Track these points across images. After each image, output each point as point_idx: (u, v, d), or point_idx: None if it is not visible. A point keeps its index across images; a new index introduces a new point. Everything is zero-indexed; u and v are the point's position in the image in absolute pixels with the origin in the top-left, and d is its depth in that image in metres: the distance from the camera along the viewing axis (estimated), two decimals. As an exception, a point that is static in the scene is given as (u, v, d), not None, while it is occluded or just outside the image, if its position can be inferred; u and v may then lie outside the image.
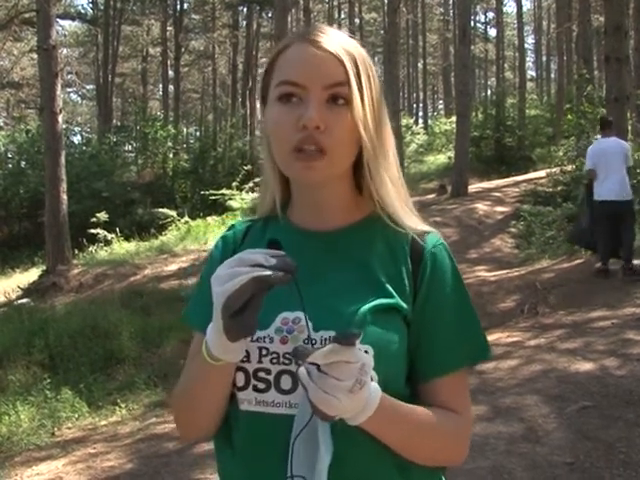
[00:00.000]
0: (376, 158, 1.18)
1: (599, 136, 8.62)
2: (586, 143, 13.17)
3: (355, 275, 1.17)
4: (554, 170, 14.91)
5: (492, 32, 52.93)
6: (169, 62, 36.18)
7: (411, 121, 32.69)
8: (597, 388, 4.69)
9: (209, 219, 17.03)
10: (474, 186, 17.49)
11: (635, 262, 8.10)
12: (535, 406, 4.51)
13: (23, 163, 23.94)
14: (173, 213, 17.14)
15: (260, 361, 1.12)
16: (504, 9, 50.05)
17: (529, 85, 42.46)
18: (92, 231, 15.44)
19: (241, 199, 17.37)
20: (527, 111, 26.15)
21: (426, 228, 1.23)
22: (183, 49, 36.32)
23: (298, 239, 1.21)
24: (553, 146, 19.52)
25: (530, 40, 58.23)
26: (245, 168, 20.04)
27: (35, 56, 23.46)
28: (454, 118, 20.79)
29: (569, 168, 13.54)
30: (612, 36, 9.98)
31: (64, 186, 13.26)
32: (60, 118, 13.36)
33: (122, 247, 15.33)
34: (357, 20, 41.90)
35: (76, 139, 34.21)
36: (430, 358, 1.16)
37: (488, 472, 3.66)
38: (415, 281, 1.17)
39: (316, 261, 1.19)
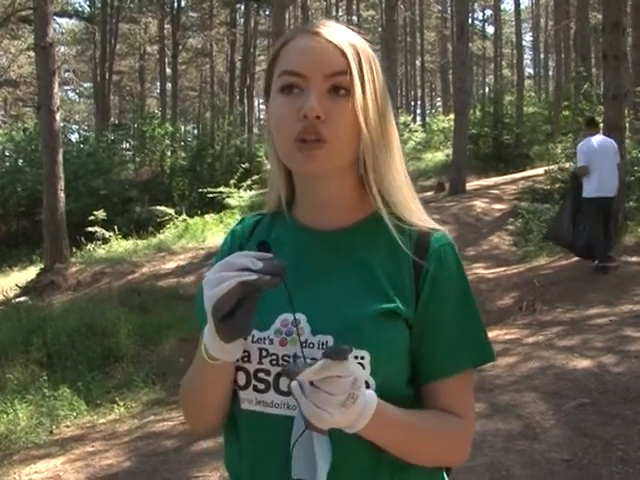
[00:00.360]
0: (377, 151, 1.16)
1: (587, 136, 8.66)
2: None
3: (357, 277, 1.16)
4: (552, 167, 14.91)
5: (490, 29, 52.92)
6: (167, 60, 36.14)
7: (409, 119, 32.65)
8: (595, 385, 4.70)
9: (207, 217, 17.01)
10: (472, 184, 17.48)
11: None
12: (533, 403, 4.52)
13: (21, 161, 23.89)
14: (171, 211, 17.13)
15: (260, 362, 1.12)
16: (502, 6, 50.09)
17: (527, 83, 42.43)
18: (90, 229, 15.42)
19: (239, 197, 17.37)
20: (525, 109, 26.15)
21: (433, 226, 1.21)
22: (181, 47, 36.26)
23: (302, 238, 1.21)
24: (551, 143, 19.52)
25: (528, 37, 58.27)
26: (243, 166, 20.03)
27: (32, 54, 23.41)
28: (452, 116, 20.79)
29: (567, 165, 13.54)
30: (610, 33, 9.97)
31: (62, 184, 13.23)
32: (57, 116, 13.32)
33: (120, 245, 15.32)
34: (355, 17, 41.84)
35: (74, 137, 34.06)
36: (433, 360, 1.15)
37: (486, 469, 3.66)
38: (417, 283, 1.15)
39: (319, 261, 1.18)
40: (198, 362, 1.14)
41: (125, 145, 30.17)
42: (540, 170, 16.59)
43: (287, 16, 19.85)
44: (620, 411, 4.23)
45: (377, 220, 1.20)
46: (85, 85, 48.13)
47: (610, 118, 9.93)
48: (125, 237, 16.17)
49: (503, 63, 50.80)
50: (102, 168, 22.94)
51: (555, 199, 12.66)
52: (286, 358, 1.10)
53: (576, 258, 8.95)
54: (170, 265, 12.41)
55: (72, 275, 12.48)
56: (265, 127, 1.27)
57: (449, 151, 20.48)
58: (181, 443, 4.91)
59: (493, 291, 8.80)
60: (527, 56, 54.62)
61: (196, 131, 42.90)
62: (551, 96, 30.96)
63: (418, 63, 51.77)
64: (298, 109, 1.11)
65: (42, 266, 13.50)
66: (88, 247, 15.23)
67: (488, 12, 53.09)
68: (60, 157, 13.33)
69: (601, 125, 9.32)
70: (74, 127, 46.26)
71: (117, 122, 38.50)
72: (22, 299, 11.53)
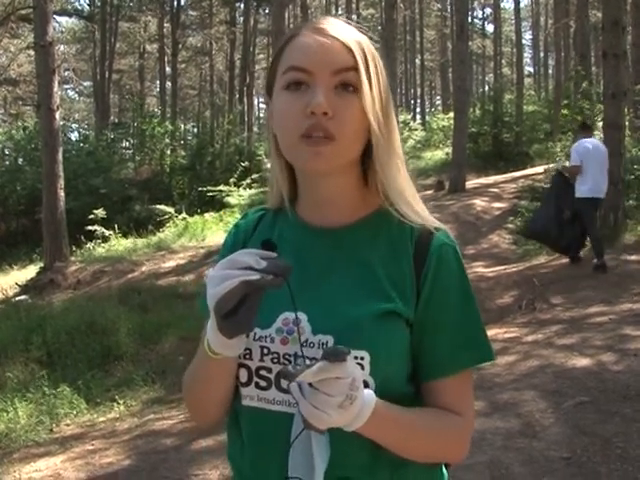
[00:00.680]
0: (384, 148, 1.16)
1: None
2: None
3: (358, 277, 1.16)
4: (551, 166, 14.89)
5: (490, 28, 52.91)
6: (166, 59, 36.12)
7: (409, 117, 32.65)
8: (594, 383, 4.71)
9: (207, 216, 17.01)
10: (472, 182, 17.47)
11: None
12: (532, 401, 4.52)
13: (20, 160, 23.89)
14: (171, 210, 17.13)
15: (262, 359, 1.13)
16: (502, 5, 50.13)
17: (527, 81, 42.42)
18: (90, 228, 15.42)
19: (239, 195, 17.37)
20: (525, 107, 26.12)
21: (435, 224, 1.21)
22: (180, 45, 36.26)
23: (305, 235, 1.21)
24: (550, 142, 19.52)
25: (528, 36, 58.27)
26: (242, 164, 20.02)
27: (32, 53, 23.42)
28: (452, 114, 20.76)
29: (566, 164, 13.54)
30: (610, 32, 9.97)
31: (61, 183, 13.23)
32: (57, 115, 13.33)
33: (120, 244, 15.32)
34: (354, 16, 41.82)
35: (73, 136, 34.17)
36: (433, 359, 1.15)
37: (485, 467, 3.67)
38: (418, 281, 1.16)
39: (321, 260, 1.19)
40: (201, 356, 1.15)
41: (125, 144, 30.23)
42: (540, 169, 16.57)
43: (287, 15, 19.82)
44: (619, 409, 4.23)
45: (379, 218, 1.21)
46: (85, 84, 48.12)
47: (610, 116, 9.94)
48: (125, 236, 16.17)
49: (503, 61, 50.81)
50: (102, 167, 22.94)
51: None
52: (287, 357, 1.11)
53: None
54: (170, 264, 12.42)
55: (72, 274, 12.48)
56: (266, 124, 1.26)
57: (449, 149, 20.47)
58: (181, 441, 4.91)
59: (493, 290, 8.80)
60: (527, 54, 54.65)
61: (196, 130, 42.93)
62: (551, 94, 30.90)
63: (418, 61, 51.74)
64: (305, 105, 1.10)
65: (42, 265, 13.51)
66: (88, 246, 15.23)
67: (488, 10, 53.13)
68: (60, 156, 13.33)
69: (600, 124, 9.40)
70: (74, 126, 46.32)
71: (117, 121, 38.51)
72: (22, 298, 11.54)
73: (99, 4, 35.20)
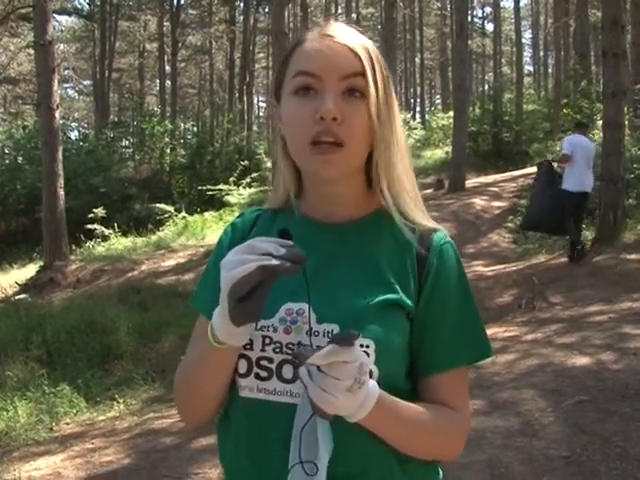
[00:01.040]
0: (388, 153, 1.19)
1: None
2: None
3: (362, 269, 1.18)
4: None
5: (489, 27, 52.90)
6: (166, 57, 36.10)
7: (408, 116, 32.64)
8: (593, 382, 4.71)
9: (206, 214, 17.02)
10: (471, 181, 17.48)
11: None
12: (532, 400, 4.52)
13: (20, 159, 23.88)
14: (170, 209, 17.13)
15: (263, 349, 1.14)
16: (501, 4, 50.15)
17: (526, 80, 42.40)
18: (89, 227, 15.43)
19: (238, 194, 17.38)
20: (524, 106, 26.11)
21: (434, 225, 1.24)
22: (180, 44, 36.23)
23: (309, 230, 1.23)
24: (550, 141, 19.53)
25: (527, 35, 58.26)
26: (242, 163, 20.04)
27: (32, 52, 23.42)
28: (451, 113, 20.76)
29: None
30: (609, 31, 9.95)
31: (61, 182, 13.23)
32: (57, 114, 13.33)
33: (119, 243, 15.33)
34: (354, 15, 41.80)
35: (73, 135, 34.13)
36: (431, 355, 1.17)
37: (485, 465, 3.67)
38: (420, 278, 1.18)
39: (326, 253, 1.20)
40: (201, 347, 1.15)
41: (124, 143, 30.23)
42: (539, 168, 16.57)
43: (286, 13, 19.82)
44: (618, 408, 4.24)
45: (382, 216, 1.23)
46: (85, 83, 48.12)
47: (609, 115, 9.93)
48: (124, 235, 16.18)
49: (502, 61, 50.80)
50: (102, 166, 22.94)
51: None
52: (290, 346, 1.12)
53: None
54: (169, 263, 12.42)
55: (72, 273, 12.49)
56: (274, 127, 1.28)
57: (448, 148, 20.47)
58: (181, 440, 4.92)
59: (492, 288, 8.80)
60: (526, 54, 54.66)
61: (195, 129, 42.86)
62: (550, 94, 30.91)
63: (417, 60, 51.73)
64: (314, 111, 1.12)
65: (42, 264, 13.52)
66: (88, 245, 15.24)
67: (488, 9, 53.13)
68: (60, 155, 13.33)
69: (600, 123, 9.53)
70: (74, 125, 46.24)
71: (116, 120, 38.53)
72: (22, 297, 11.54)
73: (99, 3, 35.16)
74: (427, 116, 42.53)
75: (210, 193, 17.96)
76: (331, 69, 1.13)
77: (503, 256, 10.86)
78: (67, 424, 6.20)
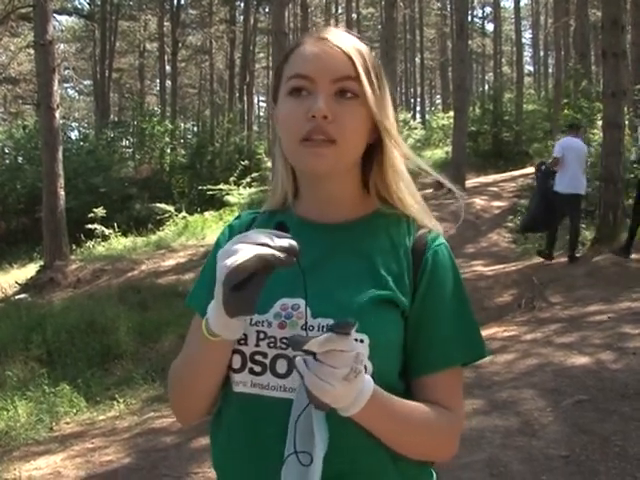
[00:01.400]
0: (384, 151, 1.22)
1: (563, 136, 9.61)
2: (583, 138, 13.22)
3: (357, 267, 1.19)
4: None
5: (489, 27, 52.85)
6: (166, 57, 36.07)
7: (408, 116, 32.63)
8: (593, 382, 4.71)
9: (206, 214, 17.03)
10: (471, 181, 17.48)
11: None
12: (531, 400, 4.53)
13: (20, 159, 23.88)
14: (171, 208, 17.14)
15: (257, 344, 1.15)
16: (501, 4, 50.14)
17: (526, 80, 42.39)
18: (90, 226, 15.42)
19: (238, 194, 17.39)
20: (524, 106, 26.11)
21: (432, 225, 1.25)
22: (180, 44, 36.21)
23: (305, 231, 1.24)
24: (550, 141, 19.49)
25: (527, 35, 58.22)
26: (242, 163, 20.05)
27: (32, 51, 23.41)
28: (452, 113, 20.76)
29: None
30: (609, 31, 9.95)
31: (61, 181, 13.24)
32: (57, 114, 13.33)
33: (120, 242, 15.33)
34: (354, 15, 41.79)
35: (73, 135, 34.14)
36: (425, 354, 1.17)
37: (484, 465, 3.67)
38: (415, 278, 1.19)
39: (320, 251, 1.21)
40: (195, 342, 1.16)
41: (125, 142, 30.21)
42: (539, 167, 16.57)
43: (287, 13, 19.81)
44: (618, 408, 4.24)
45: (378, 218, 1.25)
46: (85, 83, 48.12)
47: (609, 115, 9.93)
48: (125, 234, 16.18)
49: (503, 60, 50.76)
50: (102, 165, 22.95)
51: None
52: (284, 341, 1.12)
53: (575, 255, 9.04)
54: (170, 262, 12.43)
55: (72, 272, 12.49)
56: (274, 128, 1.30)
57: (448, 148, 20.47)
58: (181, 439, 4.92)
59: (492, 288, 8.81)
60: (527, 53, 54.61)
61: (196, 128, 42.88)
62: (550, 93, 30.90)
63: (418, 60, 51.72)
64: (307, 110, 1.15)
65: (42, 263, 13.52)
66: (88, 244, 15.24)
67: (488, 9, 53.09)
68: (60, 155, 13.33)
69: (601, 123, 9.58)
70: (74, 125, 46.24)
71: (117, 120, 38.49)
72: (22, 296, 11.55)
73: (99, 3, 35.16)
74: (427, 116, 42.52)
75: (210, 193, 17.96)
76: (324, 71, 1.16)
77: (503, 256, 10.87)
78: (67, 424, 6.20)
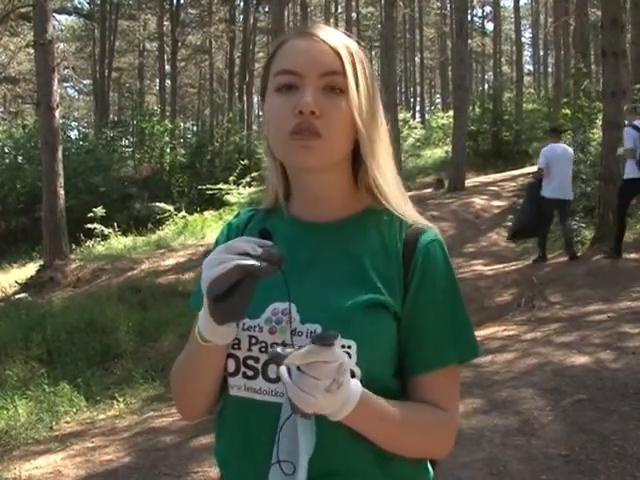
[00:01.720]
0: (372, 147, 1.19)
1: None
2: (583, 137, 13.24)
3: (347, 269, 1.18)
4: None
5: (489, 26, 52.82)
6: (166, 57, 36.08)
7: (408, 115, 32.68)
8: (592, 381, 4.71)
9: (206, 214, 17.04)
10: (471, 180, 17.49)
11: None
12: (531, 399, 4.53)
13: (20, 158, 23.91)
14: (170, 208, 17.15)
15: (250, 349, 1.15)
16: (501, 3, 50.15)
17: (526, 79, 42.41)
18: (89, 226, 15.44)
19: (238, 193, 17.40)
20: (524, 105, 26.14)
21: (423, 223, 1.23)
22: (180, 44, 36.22)
23: (295, 229, 1.24)
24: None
25: (527, 34, 58.25)
26: (242, 163, 20.04)
27: (32, 51, 23.37)
28: (451, 112, 20.79)
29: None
30: (609, 30, 9.94)
31: (61, 181, 13.25)
32: (57, 113, 13.34)
33: (119, 242, 15.34)
34: (354, 14, 41.79)
35: (73, 134, 34.05)
36: (418, 354, 1.17)
37: (484, 464, 3.68)
38: (406, 278, 1.18)
39: (311, 253, 1.21)
40: (191, 346, 1.17)
41: (124, 142, 30.18)
42: (539, 167, 16.58)
43: (286, 13, 19.82)
44: (617, 407, 4.24)
45: (369, 216, 1.24)
46: (84, 82, 48.13)
47: (609, 115, 9.93)
48: (124, 234, 16.19)
49: (502, 60, 50.80)
50: (101, 165, 22.96)
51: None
52: (275, 346, 1.12)
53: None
54: (169, 262, 12.44)
55: (71, 272, 12.51)
56: (262, 126, 1.30)
57: (448, 148, 20.49)
58: (180, 439, 4.92)
59: (492, 288, 8.81)
60: (526, 53, 54.70)
61: (195, 128, 42.92)
62: (550, 93, 30.92)
63: (417, 60, 51.75)
64: (294, 106, 1.14)
65: (41, 263, 13.54)
66: (87, 244, 15.25)
67: (487, 9, 53.11)
68: (59, 154, 13.35)
69: (601, 123, 9.66)
70: (73, 124, 46.16)
71: (116, 119, 38.51)
72: (22, 296, 11.55)
73: (99, 2, 35.19)
74: (427, 115, 42.56)
75: (210, 192, 17.98)
76: (311, 66, 1.15)
77: (502, 255, 10.87)
78: (67, 423, 6.21)
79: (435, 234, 1.22)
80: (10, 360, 7.75)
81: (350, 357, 1.09)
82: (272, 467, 1.07)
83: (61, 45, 38.51)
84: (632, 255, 8.58)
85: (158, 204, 17.76)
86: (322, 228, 1.23)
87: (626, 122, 8.74)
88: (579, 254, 9.13)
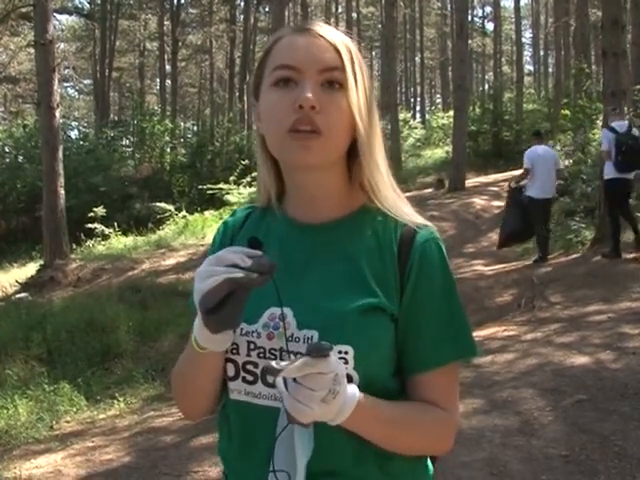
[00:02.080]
0: (368, 145, 1.18)
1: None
2: (583, 137, 13.24)
3: (343, 271, 1.17)
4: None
5: (490, 26, 52.82)
6: (166, 56, 36.11)
7: (408, 115, 32.70)
8: (592, 381, 4.71)
9: (207, 213, 17.05)
10: (471, 180, 17.50)
11: None
12: (531, 399, 4.53)
13: (20, 158, 23.89)
14: (171, 207, 17.16)
15: (248, 354, 1.15)
16: (502, 3, 50.16)
17: (526, 79, 42.44)
18: (90, 226, 15.45)
19: (238, 193, 17.39)
20: (524, 106, 26.14)
21: (420, 221, 1.21)
22: (180, 43, 36.24)
23: (291, 231, 1.23)
24: (550, 140, 19.51)
25: (528, 34, 58.26)
26: (242, 162, 20.02)
27: (32, 51, 23.38)
28: (452, 112, 20.78)
29: (566, 163, 13.56)
30: (609, 30, 9.94)
31: (62, 181, 13.25)
32: (57, 113, 13.34)
33: (120, 242, 15.35)
34: (354, 14, 41.80)
35: (73, 134, 34.08)
36: (416, 354, 1.16)
37: (484, 464, 3.68)
38: (402, 278, 1.16)
39: (308, 254, 1.20)
40: (188, 350, 1.17)
41: (125, 142, 30.17)
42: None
43: (287, 13, 19.82)
44: (617, 407, 4.24)
45: (364, 214, 1.22)
46: (85, 82, 48.18)
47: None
48: (125, 234, 16.19)
49: (503, 60, 50.80)
50: (102, 165, 22.96)
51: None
52: (273, 352, 1.12)
53: (574, 255, 9.09)
54: (170, 262, 12.45)
55: (72, 271, 12.51)
56: (254, 124, 1.28)
57: (449, 148, 20.50)
58: (181, 438, 4.92)
59: (492, 288, 8.81)
60: (527, 53, 54.69)
61: (196, 128, 42.90)
62: (550, 93, 30.90)
63: (418, 60, 51.76)
64: (293, 101, 1.12)
65: (42, 262, 13.54)
66: (88, 243, 15.25)
67: (488, 9, 53.14)
68: (60, 154, 13.35)
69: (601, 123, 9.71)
70: (74, 124, 46.18)
71: (117, 119, 38.48)
72: (22, 295, 11.56)
73: (99, 2, 35.17)
74: (427, 115, 42.56)
75: (210, 192, 17.98)
76: (311, 61, 1.14)
77: (503, 256, 10.86)
78: (67, 422, 6.21)
79: (431, 232, 1.20)
80: (10, 360, 7.75)
81: (347, 362, 1.09)
82: (269, 476, 1.07)
83: (61, 45, 38.57)
84: (632, 255, 8.58)
85: (158, 204, 17.77)
86: (318, 228, 1.22)
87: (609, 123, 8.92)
88: (577, 255, 9.16)
